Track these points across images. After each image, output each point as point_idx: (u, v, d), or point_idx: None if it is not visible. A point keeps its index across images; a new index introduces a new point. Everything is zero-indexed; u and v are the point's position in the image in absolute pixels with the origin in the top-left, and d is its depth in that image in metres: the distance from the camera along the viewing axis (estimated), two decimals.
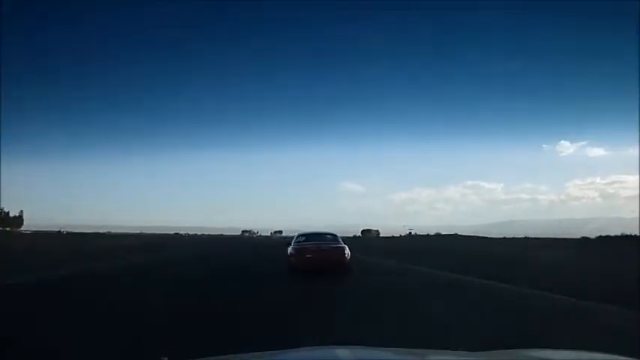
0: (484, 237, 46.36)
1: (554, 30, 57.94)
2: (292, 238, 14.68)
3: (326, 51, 78.75)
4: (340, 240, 13.51)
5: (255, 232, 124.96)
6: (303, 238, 13.53)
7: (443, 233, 57.61)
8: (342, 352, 1.74)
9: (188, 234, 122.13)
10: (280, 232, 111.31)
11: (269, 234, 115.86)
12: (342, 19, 67.78)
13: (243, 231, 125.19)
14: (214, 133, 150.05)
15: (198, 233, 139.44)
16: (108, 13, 53.57)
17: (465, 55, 74.97)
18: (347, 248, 12.69)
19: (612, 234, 38.26)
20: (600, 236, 29.87)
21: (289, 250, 12.93)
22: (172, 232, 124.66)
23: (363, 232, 75.08)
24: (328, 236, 14.08)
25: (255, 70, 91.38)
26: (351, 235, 71.85)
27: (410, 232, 63.46)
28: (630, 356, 1.65)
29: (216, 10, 56.07)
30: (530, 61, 70.71)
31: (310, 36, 69.69)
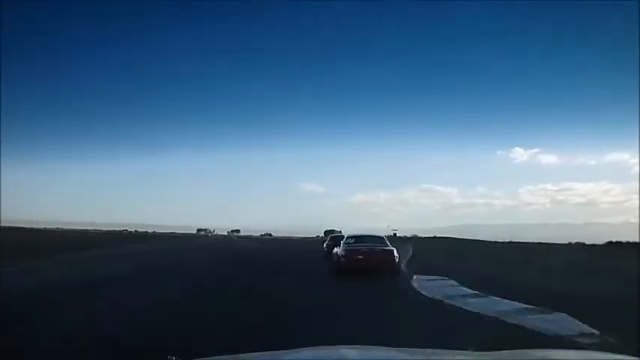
0: (481, 240, 47.89)
1: (509, 41, 61.48)
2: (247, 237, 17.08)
3: (283, 51, 79.07)
4: (388, 242, 13.65)
5: (212, 230, 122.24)
6: (353, 240, 13.77)
7: (420, 236, 58.78)
8: (347, 351, 1.77)
9: (137, 231, 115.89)
10: (238, 230, 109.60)
11: (226, 233, 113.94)
12: (296, 20, 66.76)
13: (198, 229, 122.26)
14: (169, 131, 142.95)
15: (150, 231, 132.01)
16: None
17: (422, 60, 76.86)
18: (396, 251, 12.93)
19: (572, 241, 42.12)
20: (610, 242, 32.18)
21: (338, 251, 13.19)
22: (120, 229, 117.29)
23: (326, 232, 72.61)
24: (377, 238, 14.36)
25: (209, 67, 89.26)
26: (314, 235, 68.10)
27: (395, 234, 63.27)
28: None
29: None
30: (486, 69, 73.54)
31: (264, 33, 68.68)
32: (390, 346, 1.90)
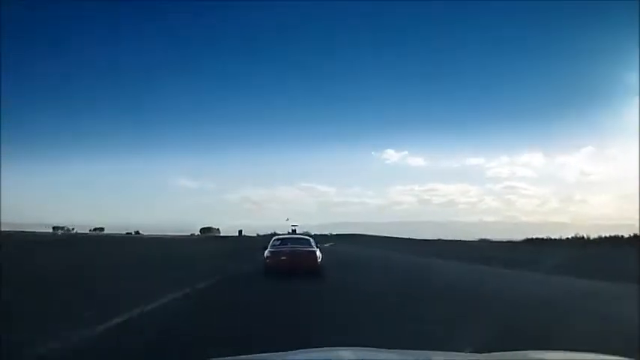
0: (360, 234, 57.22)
1: (386, 48, 64.18)
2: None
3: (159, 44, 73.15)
4: (313, 244, 14.39)
5: (71, 228, 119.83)
6: (279, 242, 14.60)
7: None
8: (345, 353, 1.84)
9: None
10: (102, 229, 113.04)
11: (88, 231, 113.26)
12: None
13: (54, 227, 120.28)
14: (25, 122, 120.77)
15: None
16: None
17: (302, 61, 79.18)
18: (319, 251, 13.77)
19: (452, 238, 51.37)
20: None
21: (266, 252, 13.64)
22: None
23: (202, 230, 74.54)
24: (303, 240, 15.26)
25: (70, 59, 75.69)
26: (188, 233, 66.25)
27: (294, 230, 65.10)
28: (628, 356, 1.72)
29: None
30: (363, 74, 73.67)
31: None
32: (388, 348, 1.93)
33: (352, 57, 67.95)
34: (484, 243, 41.22)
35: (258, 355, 1.77)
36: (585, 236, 28.30)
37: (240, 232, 74.80)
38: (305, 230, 59.17)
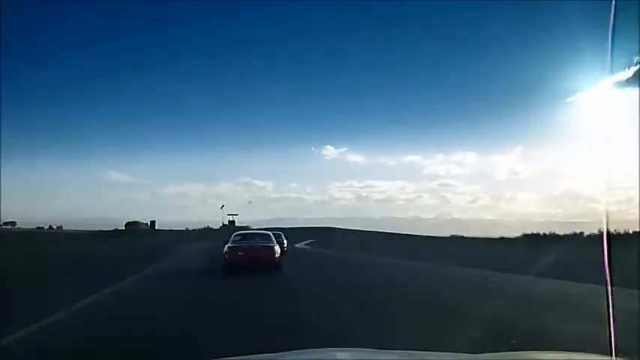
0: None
1: (328, 44, 58.87)
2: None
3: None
4: (273, 239, 14.41)
5: None
6: (239, 237, 14.47)
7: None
8: (342, 354, 1.87)
9: None
10: (14, 223, 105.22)
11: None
12: None
13: None
14: None
15: None
16: None
17: (244, 55, 68.32)
18: (277, 246, 13.94)
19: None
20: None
21: (225, 247, 13.61)
22: None
23: (127, 225, 72.04)
24: (263, 236, 15.08)
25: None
26: (112, 228, 65.72)
27: (232, 221, 61.88)
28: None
29: None
30: (304, 69, 77.49)
31: None
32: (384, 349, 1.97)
33: (291, 52, 65.28)
34: (417, 238, 45.01)
35: (253, 355, 1.78)
36: (510, 236, 30.73)
37: (152, 222, 70.48)
38: (246, 224, 56.73)
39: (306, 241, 48.37)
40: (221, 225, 61.70)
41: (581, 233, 26.65)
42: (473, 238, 34.81)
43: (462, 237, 35.02)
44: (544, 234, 29.89)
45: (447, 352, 2.03)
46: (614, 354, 2.16)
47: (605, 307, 2.27)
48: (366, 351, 1.92)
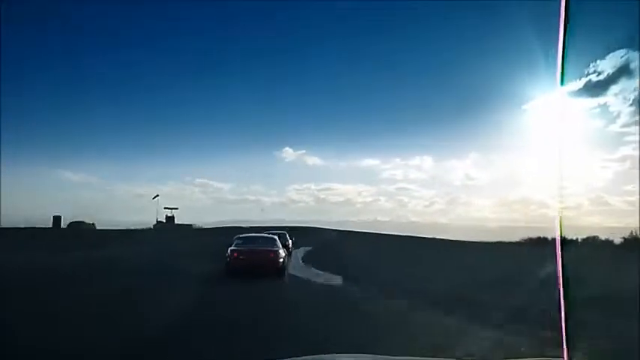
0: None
1: (287, 50, 59.37)
2: None
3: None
4: (278, 243, 13.57)
5: None
6: (241, 241, 13.62)
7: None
8: (343, 359, 1.89)
9: None
10: None
11: None
12: None
13: None
14: None
15: None
16: None
17: (204, 55, 69.35)
18: (282, 250, 13.11)
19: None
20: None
21: (228, 251, 12.85)
22: None
23: (70, 225, 50.48)
24: (267, 240, 14.03)
25: None
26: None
27: (171, 216, 52.27)
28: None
29: None
30: (263, 71, 64.20)
31: None
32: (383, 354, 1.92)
33: (251, 54, 64.82)
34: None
35: None
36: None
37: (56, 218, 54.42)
38: (199, 226, 51.11)
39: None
40: (155, 222, 48.61)
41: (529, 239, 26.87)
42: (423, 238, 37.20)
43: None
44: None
45: (447, 358, 2.06)
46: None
47: (557, 313, 2.44)
48: (365, 356, 1.91)
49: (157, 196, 49.90)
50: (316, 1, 47.91)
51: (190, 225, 48.91)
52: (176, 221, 49.30)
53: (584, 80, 48.12)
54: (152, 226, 47.51)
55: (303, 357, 1.86)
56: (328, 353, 2.03)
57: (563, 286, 2.43)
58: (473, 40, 51.53)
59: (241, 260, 12.35)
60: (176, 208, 50.92)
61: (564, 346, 2.33)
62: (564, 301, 2.49)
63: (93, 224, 70.07)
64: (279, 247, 13.32)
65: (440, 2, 44.20)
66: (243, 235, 14.99)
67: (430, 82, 66.69)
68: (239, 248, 12.89)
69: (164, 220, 48.64)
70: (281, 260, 12.70)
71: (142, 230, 43.94)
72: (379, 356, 1.88)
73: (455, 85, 64.89)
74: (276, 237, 14.50)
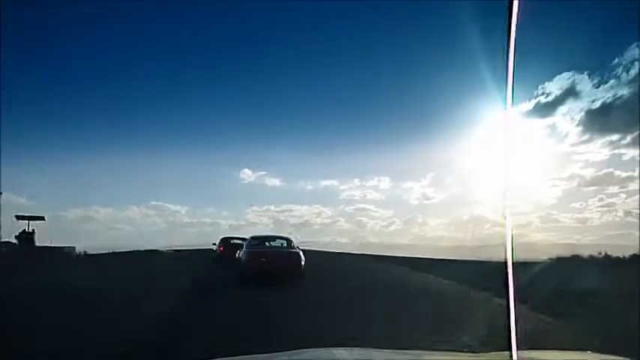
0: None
1: (247, 68, 58.52)
2: None
3: None
4: (295, 245, 12.94)
5: None
6: (257, 242, 13.04)
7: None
8: (340, 352, 1.86)
9: None
10: None
11: None
12: None
13: None
14: None
15: None
16: None
17: (159, 73, 66.48)
18: (302, 253, 12.12)
19: None
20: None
21: (241, 253, 12.34)
22: None
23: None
24: (283, 240, 13.36)
25: None
26: None
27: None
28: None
29: None
30: (221, 90, 62.55)
31: None
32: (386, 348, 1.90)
33: (208, 73, 63.31)
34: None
35: (253, 355, 1.77)
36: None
37: None
38: (81, 251, 25.87)
39: None
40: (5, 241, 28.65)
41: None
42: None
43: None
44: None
45: (447, 351, 2.04)
46: None
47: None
48: (364, 350, 1.94)
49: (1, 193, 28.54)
50: (268, 30, 49.79)
51: (68, 248, 29.00)
52: (37, 242, 28.54)
53: (533, 102, 51.34)
54: None
55: (299, 350, 1.90)
56: (323, 347, 2.05)
57: (511, 301, 2.43)
58: (425, 63, 53.65)
59: (261, 263, 11.41)
60: (41, 218, 29.81)
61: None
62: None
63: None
64: (297, 248, 12.69)
65: (389, 27, 46.62)
66: (257, 235, 14.17)
67: (385, 104, 68.68)
68: (254, 250, 12.20)
69: (14, 241, 28.23)
70: (302, 263, 11.84)
71: None
72: (374, 350, 1.92)
73: (410, 107, 67.06)
74: (291, 238, 13.71)
